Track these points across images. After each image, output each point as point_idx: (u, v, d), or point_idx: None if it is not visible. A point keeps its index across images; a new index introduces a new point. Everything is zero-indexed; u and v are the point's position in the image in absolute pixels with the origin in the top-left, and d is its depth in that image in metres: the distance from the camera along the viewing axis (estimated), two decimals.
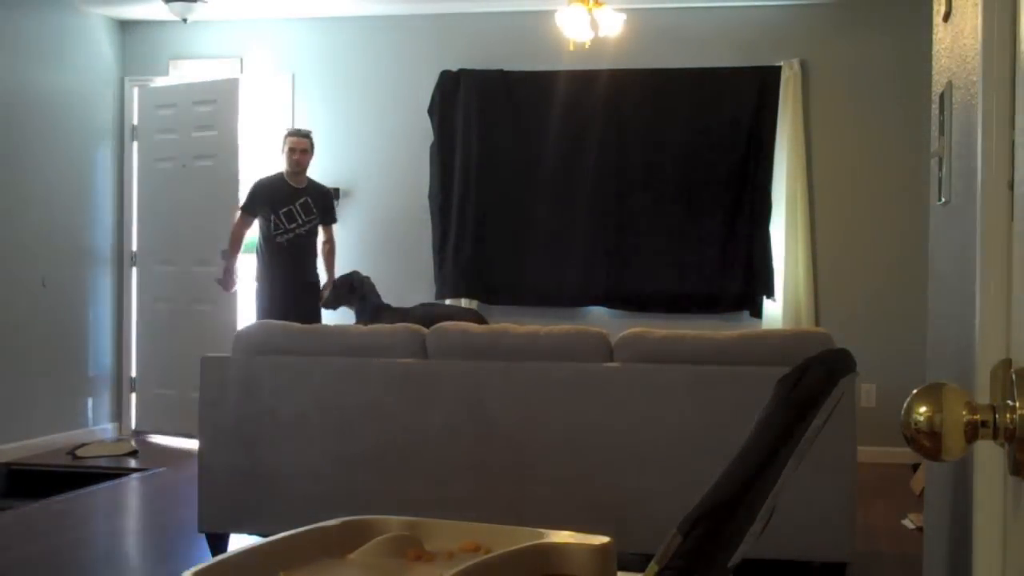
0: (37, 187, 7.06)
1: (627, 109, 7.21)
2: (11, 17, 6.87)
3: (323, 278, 7.15)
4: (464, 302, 7.34)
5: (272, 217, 6.90)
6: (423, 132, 7.46)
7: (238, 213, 7.06)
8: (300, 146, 6.95)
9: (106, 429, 7.66)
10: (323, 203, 7.07)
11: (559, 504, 4.14)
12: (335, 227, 7.21)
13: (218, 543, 4.41)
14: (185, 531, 4.86)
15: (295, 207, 6.93)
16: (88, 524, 5.16)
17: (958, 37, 2.53)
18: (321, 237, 7.13)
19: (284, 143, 6.98)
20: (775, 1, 7.06)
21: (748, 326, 7.00)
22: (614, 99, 7.20)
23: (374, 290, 7.12)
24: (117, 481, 6.24)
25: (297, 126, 7.24)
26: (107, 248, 7.75)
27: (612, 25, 6.25)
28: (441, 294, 7.37)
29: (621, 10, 6.33)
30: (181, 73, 7.86)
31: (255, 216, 7.03)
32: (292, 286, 6.97)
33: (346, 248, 7.63)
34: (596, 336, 4.31)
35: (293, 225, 6.93)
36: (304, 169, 6.98)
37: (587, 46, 6.29)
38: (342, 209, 7.65)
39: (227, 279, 7.03)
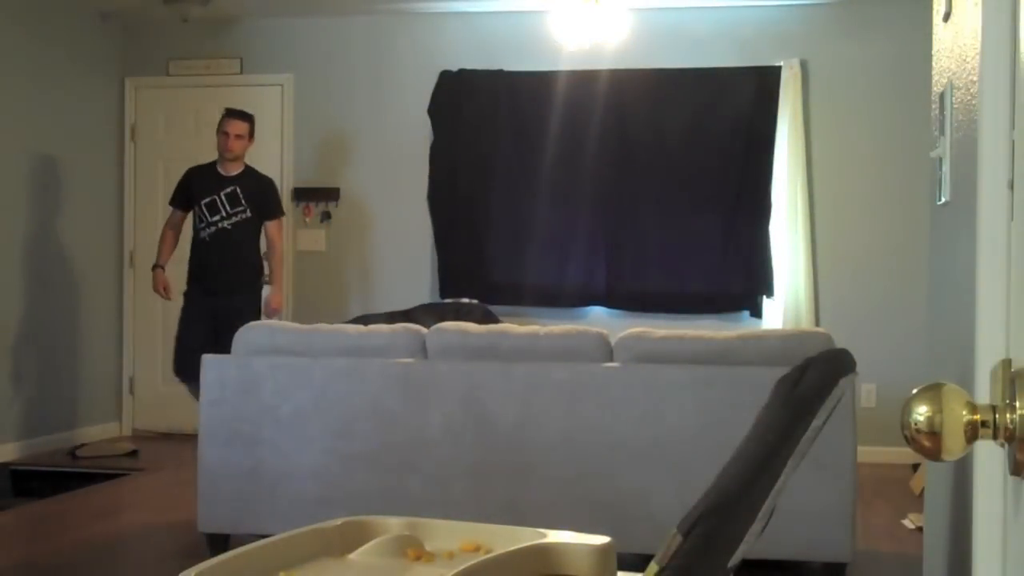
0: (36, 187, 7.06)
1: (627, 109, 7.20)
2: (11, 18, 6.87)
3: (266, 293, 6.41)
4: (464, 302, 7.34)
5: (195, 209, 6.22)
6: (423, 132, 7.46)
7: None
8: (236, 130, 6.23)
9: (106, 429, 7.66)
10: (258, 195, 6.26)
11: (559, 504, 4.14)
12: (279, 225, 6.42)
13: (218, 543, 4.41)
14: (185, 531, 4.86)
15: (219, 197, 6.16)
16: (88, 524, 5.16)
17: (958, 37, 2.53)
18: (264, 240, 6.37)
19: (219, 124, 6.29)
20: (775, 1, 7.06)
21: (748, 326, 7.00)
22: (614, 99, 7.19)
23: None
24: (117, 481, 6.24)
25: (240, 108, 6.51)
26: (107, 248, 7.75)
27: (615, 28, 6.26)
28: (441, 294, 7.37)
29: (621, 10, 6.34)
30: (181, 73, 7.85)
31: (184, 209, 6.32)
32: (214, 292, 6.16)
33: (346, 248, 7.64)
34: (596, 336, 4.31)
35: (216, 217, 6.15)
36: (238, 156, 6.24)
37: (587, 47, 6.30)
38: (342, 210, 7.65)
39: (155, 283, 6.34)
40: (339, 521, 2.13)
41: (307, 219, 7.67)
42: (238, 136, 6.21)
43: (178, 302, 6.52)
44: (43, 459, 6.74)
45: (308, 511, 4.05)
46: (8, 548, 4.77)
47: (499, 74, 7.37)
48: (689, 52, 7.17)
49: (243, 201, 6.18)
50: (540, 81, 7.28)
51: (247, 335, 4.59)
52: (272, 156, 7.71)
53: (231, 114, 6.30)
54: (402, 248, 7.55)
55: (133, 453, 6.96)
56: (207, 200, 6.14)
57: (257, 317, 6.05)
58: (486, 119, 7.37)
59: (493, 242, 7.38)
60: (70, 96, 7.41)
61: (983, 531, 1.17)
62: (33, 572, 4.42)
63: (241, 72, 7.77)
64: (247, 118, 6.30)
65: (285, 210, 7.69)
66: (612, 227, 7.24)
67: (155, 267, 6.36)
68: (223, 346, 5.59)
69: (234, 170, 6.25)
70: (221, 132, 6.23)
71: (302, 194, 7.66)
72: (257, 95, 7.74)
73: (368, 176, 7.60)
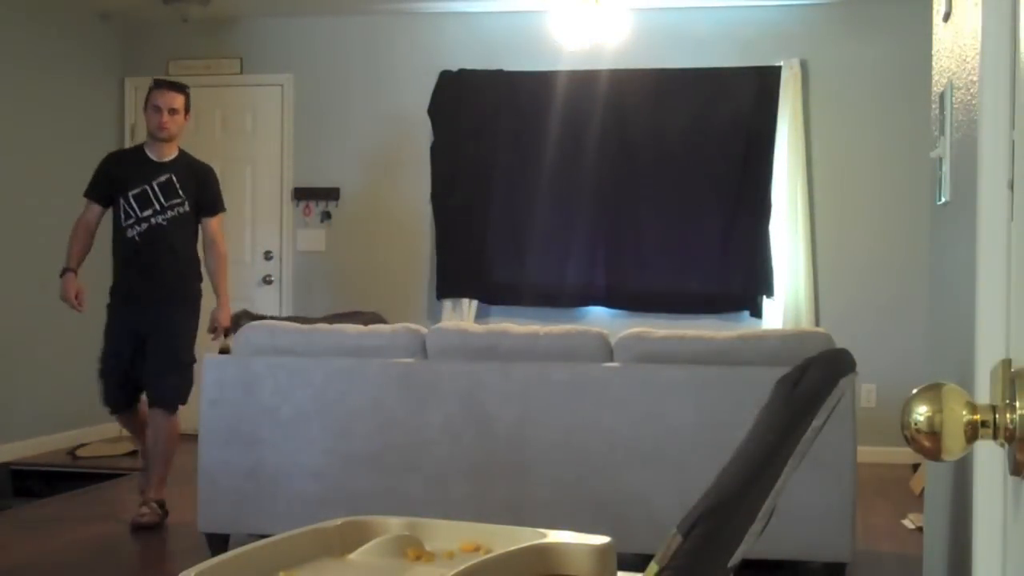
0: (37, 187, 7.06)
1: (627, 109, 7.20)
2: (11, 18, 6.87)
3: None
4: (465, 302, 7.34)
5: (121, 202, 5.14)
6: (423, 132, 7.46)
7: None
8: (171, 103, 5.17)
9: (106, 429, 7.65)
10: (197, 184, 5.23)
11: (559, 504, 4.14)
12: (220, 222, 5.35)
13: (218, 543, 4.41)
14: (185, 531, 4.87)
15: (152, 187, 5.12)
16: (88, 524, 5.16)
17: (958, 37, 2.53)
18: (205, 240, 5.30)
19: (147, 99, 5.25)
20: (775, 1, 7.06)
21: (748, 326, 7.00)
22: (614, 99, 7.20)
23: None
24: (117, 481, 6.24)
25: (171, 79, 5.59)
26: (107, 247, 7.73)
27: (615, 28, 6.26)
28: (441, 294, 7.38)
29: (622, 10, 6.34)
30: (181, 73, 7.86)
31: (103, 204, 5.24)
32: (151, 302, 5.12)
33: (346, 249, 7.63)
34: (596, 336, 4.31)
35: (148, 212, 5.10)
36: (172, 136, 5.20)
37: (587, 47, 6.30)
38: (342, 210, 7.65)
39: (65, 290, 5.11)
40: (339, 521, 2.13)
41: (307, 219, 7.67)
42: (173, 111, 5.16)
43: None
44: (43, 459, 6.74)
45: (308, 511, 4.05)
46: (8, 548, 4.77)
47: (499, 74, 7.37)
48: (689, 52, 7.17)
49: (180, 192, 5.15)
50: (540, 81, 7.29)
51: (247, 335, 4.59)
52: (272, 156, 7.72)
53: (163, 85, 5.27)
54: (402, 248, 7.55)
55: (133, 453, 6.96)
56: (136, 191, 5.10)
57: (195, 331, 5.21)
58: (486, 119, 7.37)
59: (493, 242, 7.38)
60: (70, 96, 7.41)
61: (983, 531, 1.17)
62: (33, 572, 4.42)
63: (241, 72, 7.77)
64: (182, 90, 5.26)
65: (285, 209, 7.72)
66: (612, 227, 7.24)
67: (65, 271, 5.15)
68: (160, 366, 5.05)
69: (167, 154, 5.20)
70: (151, 107, 5.17)
71: (302, 194, 7.66)
72: (257, 95, 7.75)
73: (368, 176, 7.60)
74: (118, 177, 5.18)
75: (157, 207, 5.11)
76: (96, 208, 5.24)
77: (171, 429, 5.16)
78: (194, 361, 5.14)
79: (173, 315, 5.13)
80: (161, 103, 5.16)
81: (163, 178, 5.14)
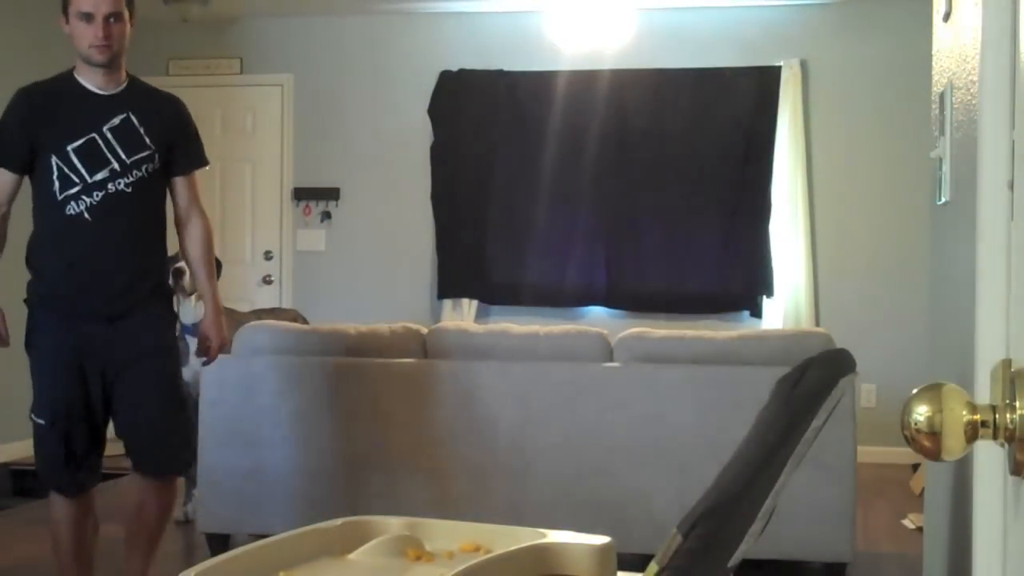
0: None
1: (627, 109, 7.20)
2: (10, 19, 6.87)
3: (192, 312, 3.93)
4: (465, 302, 7.35)
5: (54, 163, 3.32)
6: (423, 132, 7.46)
7: None
8: (109, 6, 3.20)
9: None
10: (169, 125, 3.41)
11: (559, 504, 4.14)
12: (197, 179, 3.55)
13: (218, 543, 4.41)
14: (185, 531, 4.86)
15: (103, 135, 3.30)
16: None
17: (958, 37, 2.53)
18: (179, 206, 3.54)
19: (66, 1, 3.26)
20: (775, 1, 7.06)
21: (748, 326, 7.01)
22: (614, 99, 7.19)
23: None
24: (117, 481, 6.22)
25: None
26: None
27: (614, 28, 6.26)
28: (441, 294, 7.38)
29: (621, 10, 6.34)
30: (181, 73, 7.85)
31: (19, 169, 3.46)
32: (108, 314, 3.37)
33: (346, 249, 7.63)
34: (596, 336, 4.31)
35: (102, 174, 3.29)
36: (117, 53, 3.28)
37: (587, 47, 6.30)
38: (342, 210, 7.64)
39: None
40: (339, 521, 2.13)
41: (307, 219, 7.67)
42: (114, 17, 3.23)
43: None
44: None
45: (308, 511, 4.05)
46: (8, 548, 4.77)
47: (499, 74, 7.37)
48: (689, 52, 7.17)
49: (147, 139, 3.33)
50: (540, 81, 7.29)
51: (247, 335, 4.59)
52: (272, 156, 7.72)
53: None
54: (402, 248, 7.55)
55: None
56: (79, 143, 3.29)
57: (175, 351, 3.58)
58: (486, 119, 7.37)
59: (493, 242, 7.38)
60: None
61: (983, 531, 1.17)
62: (33, 572, 4.42)
63: (241, 72, 7.77)
64: None
65: (285, 209, 7.72)
66: (612, 227, 7.24)
67: None
68: (156, 419, 3.47)
69: (114, 84, 3.34)
70: (78, 15, 3.23)
71: (302, 194, 7.66)
72: (257, 95, 7.75)
73: (368, 176, 7.60)
74: (46, 123, 3.33)
75: (116, 166, 3.29)
76: (8, 177, 3.45)
77: (172, 502, 3.75)
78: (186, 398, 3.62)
79: (157, 338, 3.42)
80: (92, 6, 3.20)
81: (118, 119, 3.31)
